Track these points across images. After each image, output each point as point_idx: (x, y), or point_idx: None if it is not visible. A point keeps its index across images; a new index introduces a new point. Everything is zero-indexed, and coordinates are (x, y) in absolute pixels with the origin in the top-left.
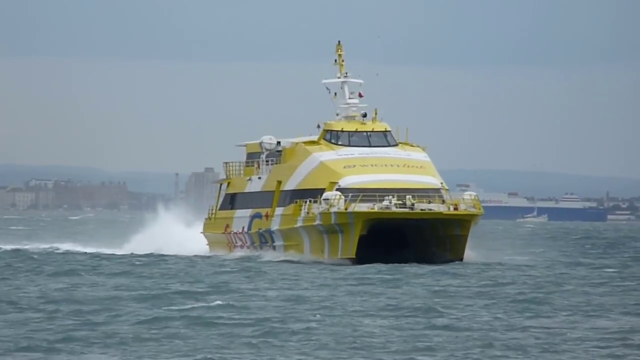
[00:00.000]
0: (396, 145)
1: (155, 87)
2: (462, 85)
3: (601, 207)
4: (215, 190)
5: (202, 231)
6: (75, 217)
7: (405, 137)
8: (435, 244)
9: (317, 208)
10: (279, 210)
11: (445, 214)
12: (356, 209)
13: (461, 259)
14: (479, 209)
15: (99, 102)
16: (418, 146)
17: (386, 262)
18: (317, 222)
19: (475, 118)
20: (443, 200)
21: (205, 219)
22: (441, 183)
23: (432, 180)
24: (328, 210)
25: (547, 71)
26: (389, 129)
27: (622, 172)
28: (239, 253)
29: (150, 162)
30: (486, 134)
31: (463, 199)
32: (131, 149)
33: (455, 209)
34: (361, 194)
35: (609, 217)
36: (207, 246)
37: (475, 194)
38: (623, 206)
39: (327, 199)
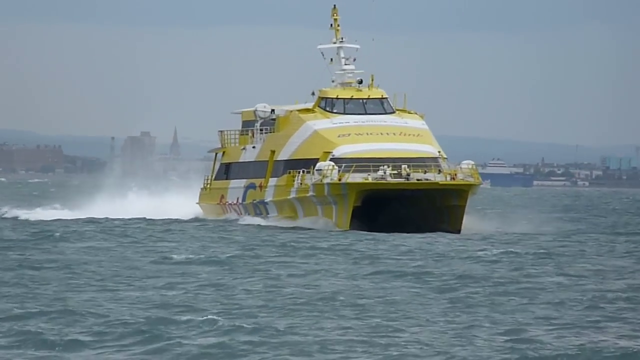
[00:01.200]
0: (393, 112)
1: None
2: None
3: (527, 173)
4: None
5: (197, 202)
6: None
7: (404, 104)
8: (433, 215)
9: (310, 179)
10: (272, 181)
11: (442, 184)
12: (349, 180)
13: (459, 231)
14: (477, 178)
15: (34, 65)
16: (416, 113)
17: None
18: (310, 193)
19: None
20: (439, 170)
21: (201, 189)
22: (439, 152)
23: (429, 149)
24: (321, 181)
25: (492, 36)
26: (386, 96)
27: (557, 138)
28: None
29: (88, 125)
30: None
31: (461, 168)
32: (66, 112)
33: (453, 178)
34: (355, 164)
35: (538, 182)
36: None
37: (473, 162)
38: (558, 172)
39: (320, 170)
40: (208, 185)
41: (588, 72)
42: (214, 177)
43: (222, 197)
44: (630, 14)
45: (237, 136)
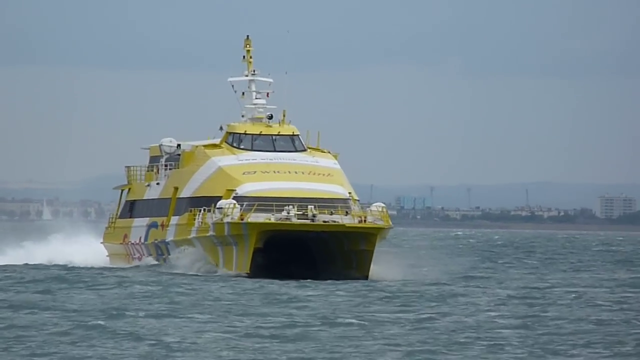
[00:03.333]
0: (304, 150)
1: None
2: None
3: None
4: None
5: (101, 241)
6: None
7: (317, 142)
8: (341, 260)
9: (211, 218)
10: (174, 220)
11: (348, 227)
12: (251, 220)
13: (366, 277)
14: (387, 221)
15: None
16: (329, 152)
17: (282, 278)
18: (211, 232)
19: None
20: (347, 212)
21: (106, 227)
22: (349, 193)
23: (339, 189)
24: (221, 220)
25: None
26: (297, 133)
27: (353, 178)
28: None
29: None
30: None
31: (370, 210)
32: None
33: (362, 221)
34: (258, 202)
35: None
36: (107, 258)
37: (384, 205)
38: None
39: (221, 208)
40: (112, 224)
41: (383, 114)
42: (118, 215)
43: (126, 236)
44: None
45: (143, 172)
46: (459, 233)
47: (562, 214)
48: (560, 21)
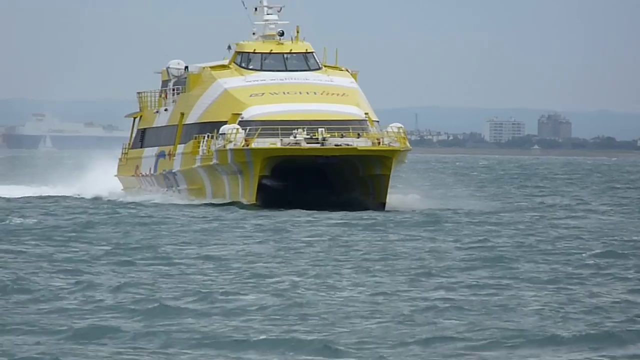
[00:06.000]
0: (319, 69)
1: None
2: None
3: None
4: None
5: (115, 174)
6: None
7: (335, 60)
8: (358, 186)
9: (214, 145)
10: (180, 148)
11: (360, 150)
12: (255, 145)
13: (383, 204)
14: (404, 144)
15: None
16: (348, 70)
17: (295, 207)
18: (214, 161)
19: None
20: (359, 134)
21: (119, 159)
22: (366, 114)
23: (354, 110)
24: (224, 147)
25: None
26: (311, 50)
27: None
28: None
29: None
30: None
31: (387, 132)
32: None
33: (377, 144)
34: (264, 126)
35: None
36: (123, 191)
37: (402, 126)
38: None
39: (224, 134)
40: (125, 155)
41: None
42: (130, 145)
43: (137, 167)
44: None
45: (157, 98)
46: None
47: (451, 138)
48: None
